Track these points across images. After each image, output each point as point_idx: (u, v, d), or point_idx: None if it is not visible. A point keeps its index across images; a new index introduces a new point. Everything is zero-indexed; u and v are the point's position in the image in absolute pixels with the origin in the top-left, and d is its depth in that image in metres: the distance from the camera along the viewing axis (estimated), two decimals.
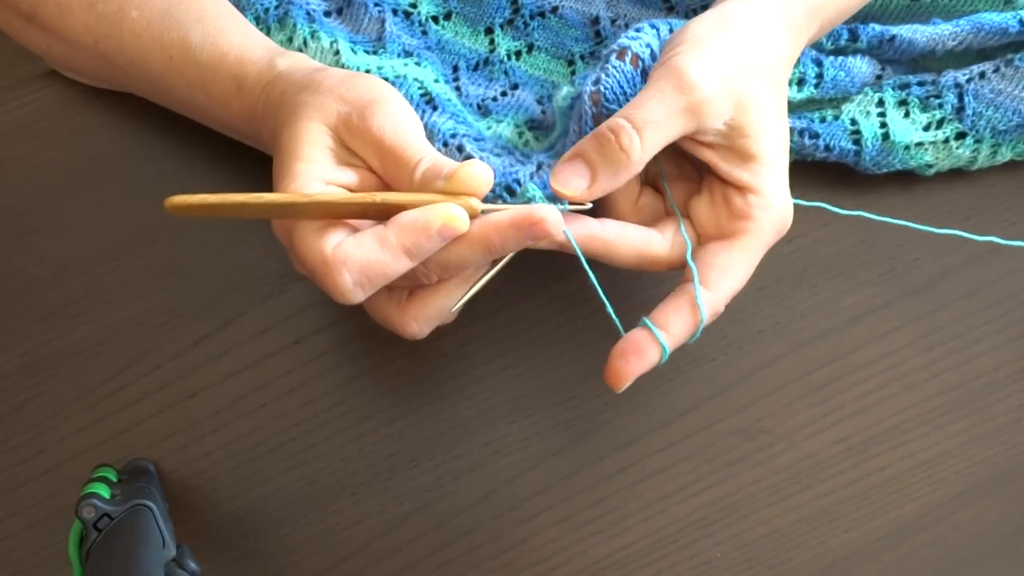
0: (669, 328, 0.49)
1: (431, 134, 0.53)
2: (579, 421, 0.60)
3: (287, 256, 0.50)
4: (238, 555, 0.60)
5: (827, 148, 0.59)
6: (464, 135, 0.53)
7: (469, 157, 0.52)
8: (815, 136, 0.59)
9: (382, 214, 0.46)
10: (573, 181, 0.48)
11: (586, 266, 0.49)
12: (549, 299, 0.61)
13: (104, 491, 0.53)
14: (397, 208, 0.45)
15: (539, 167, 0.52)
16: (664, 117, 0.47)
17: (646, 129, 0.47)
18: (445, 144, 0.53)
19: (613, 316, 0.50)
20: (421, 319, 0.49)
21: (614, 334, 0.50)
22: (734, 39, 0.49)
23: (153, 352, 0.60)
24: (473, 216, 0.46)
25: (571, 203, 0.48)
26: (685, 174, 0.53)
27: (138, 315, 0.60)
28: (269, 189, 0.48)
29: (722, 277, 0.49)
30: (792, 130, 0.59)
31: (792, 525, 0.60)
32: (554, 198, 0.49)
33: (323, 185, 0.47)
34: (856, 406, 0.61)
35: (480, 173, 0.46)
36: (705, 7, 0.58)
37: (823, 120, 0.59)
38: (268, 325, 0.60)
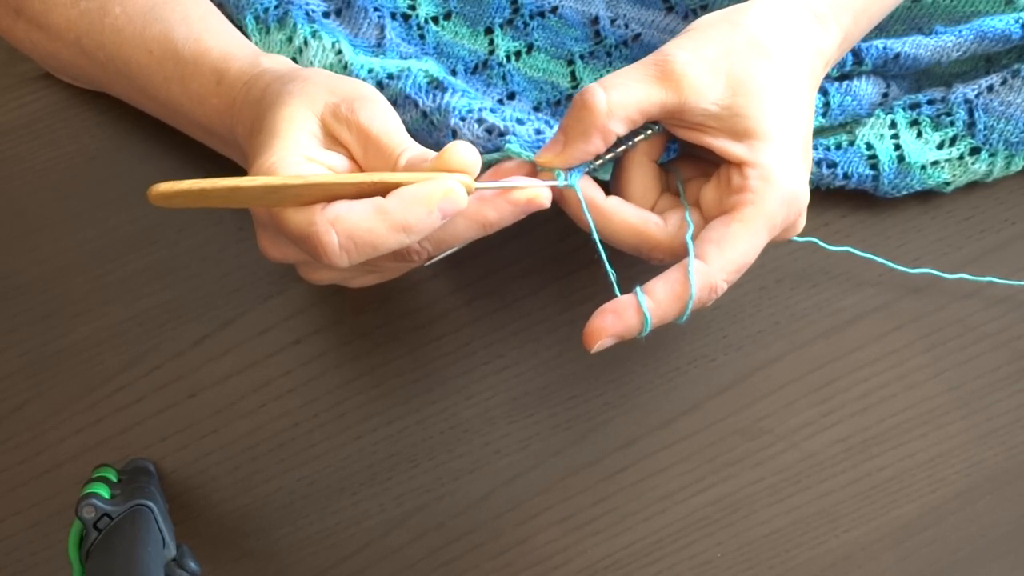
0: (653, 294, 0.49)
1: (444, 114, 0.53)
2: (579, 421, 0.60)
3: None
4: (238, 555, 0.60)
5: (845, 176, 0.59)
6: (480, 108, 0.53)
7: (490, 129, 0.53)
8: (832, 165, 0.59)
9: (378, 195, 0.45)
10: (549, 149, 0.50)
11: (593, 230, 0.50)
12: (549, 299, 0.61)
13: (104, 491, 0.53)
14: (395, 188, 0.45)
15: None
16: (634, 79, 0.49)
17: (613, 88, 0.48)
18: (463, 119, 0.53)
19: (612, 279, 0.50)
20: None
21: None
22: (729, 27, 0.50)
23: (153, 352, 0.60)
24: (468, 193, 0.46)
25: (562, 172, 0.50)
26: (704, 170, 0.53)
27: (138, 315, 0.60)
28: None
29: (718, 249, 0.49)
30: None
31: (792, 525, 0.60)
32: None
33: (304, 160, 0.46)
34: (856, 406, 0.61)
35: (468, 152, 0.46)
36: (704, 7, 0.58)
37: (839, 147, 0.59)
38: (268, 325, 0.60)
